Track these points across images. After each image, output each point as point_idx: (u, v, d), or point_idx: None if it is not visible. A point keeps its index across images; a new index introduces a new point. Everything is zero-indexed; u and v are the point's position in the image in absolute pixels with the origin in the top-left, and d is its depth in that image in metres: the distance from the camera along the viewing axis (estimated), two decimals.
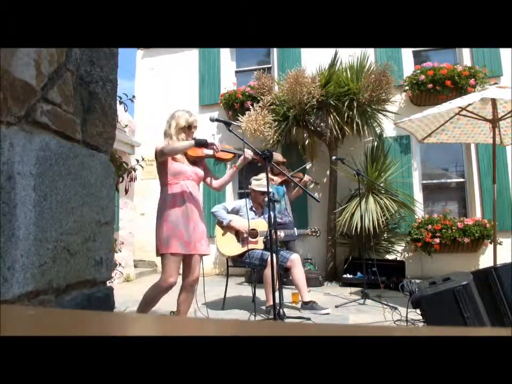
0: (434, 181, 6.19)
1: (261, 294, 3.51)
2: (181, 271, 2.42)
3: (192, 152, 2.47)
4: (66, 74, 1.11)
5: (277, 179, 4.28)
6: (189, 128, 2.48)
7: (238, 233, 3.49)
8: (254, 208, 3.68)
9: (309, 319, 3.00)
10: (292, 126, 5.58)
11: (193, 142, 2.41)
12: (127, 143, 5.50)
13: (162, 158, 2.37)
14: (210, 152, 2.52)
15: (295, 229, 3.81)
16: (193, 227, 2.35)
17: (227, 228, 3.48)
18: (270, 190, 2.89)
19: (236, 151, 2.69)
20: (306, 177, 4.53)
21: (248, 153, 2.63)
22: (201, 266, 2.49)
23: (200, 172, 2.54)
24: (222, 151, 2.55)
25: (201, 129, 6.71)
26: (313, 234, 3.75)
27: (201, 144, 2.43)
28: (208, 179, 2.65)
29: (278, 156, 4.57)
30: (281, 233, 3.64)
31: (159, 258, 2.41)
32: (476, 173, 5.76)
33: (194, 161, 2.54)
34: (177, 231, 2.29)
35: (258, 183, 3.65)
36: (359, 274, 5.00)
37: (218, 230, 3.52)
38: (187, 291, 2.46)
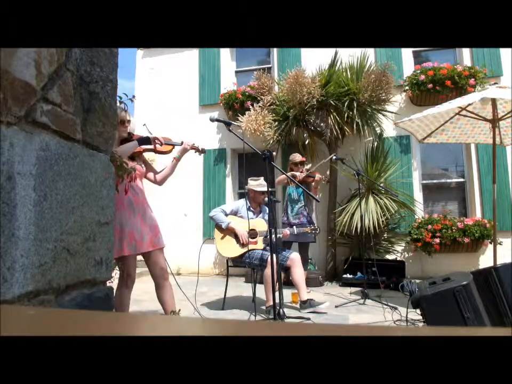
0: (434, 181, 6.19)
1: (261, 294, 3.51)
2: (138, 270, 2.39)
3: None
4: (66, 74, 1.11)
5: (297, 177, 4.26)
6: (121, 123, 2.41)
7: (237, 235, 3.49)
8: (252, 208, 3.67)
9: (308, 319, 3.00)
10: (292, 126, 5.58)
11: (136, 142, 2.38)
12: None
13: None
14: (149, 146, 2.49)
15: (294, 227, 3.82)
16: (142, 224, 2.32)
17: (227, 231, 3.48)
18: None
19: (174, 143, 2.66)
20: (317, 176, 4.52)
21: (187, 144, 2.61)
22: (165, 259, 2.44)
23: (141, 168, 2.50)
24: (163, 144, 2.53)
25: (201, 129, 6.74)
26: (313, 232, 3.75)
27: (144, 142, 2.42)
28: (150, 174, 2.62)
29: (296, 156, 4.56)
30: (294, 230, 3.68)
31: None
32: (476, 173, 5.76)
33: (132, 156, 2.48)
34: (126, 233, 2.25)
35: (257, 183, 3.65)
36: (359, 274, 5.00)
37: (217, 233, 3.52)
38: (162, 286, 2.41)
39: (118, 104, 2.57)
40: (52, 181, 1.03)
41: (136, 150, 2.46)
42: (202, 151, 2.78)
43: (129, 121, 2.48)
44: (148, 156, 2.72)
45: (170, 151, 2.66)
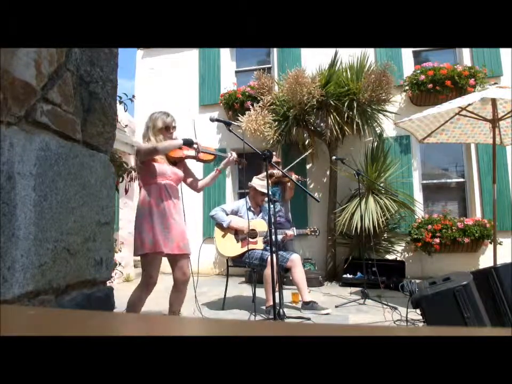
0: (434, 181, 6.19)
1: (261, 294, 3.51)
2: (163, 270, 2.41)
3: (172, 153, 2.48)
4: (66, 74, 1.11)
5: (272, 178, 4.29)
6: (166, 129, 2.47)
7: (237, 234, 3.49)
8: (252, 208, 3.67)
9: (309, 319, 3.00)
10: (292, 126, 5.58)
11: (181, 141, 2.45)
12: (127, 143, 5.50)
13: (148, 157, 2.37)
14: (192, 153, 2.53)
15: (294, 228, 3.82)
16: (171, 227, 2.34)
17: (227, 229, 3.48)
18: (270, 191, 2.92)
19: (217, 153, 2.70)
20: (294, 177, 4.53)
21: (232, 156, 2.65)
22: (189, 265, 2.49)
23: (180, 173, 2.53)
24: (203, 152, 2.57)
25: (201, 129, 6.74)
26: (313, 233, 3.74)
27: (188, 143, 2.48)
28: (189, 180, 2.66)
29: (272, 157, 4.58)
30: (294, 231, 3.66)
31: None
32: (476, 173, 5.76)
33: (174, 162, 2.53)
34: (155, 231, 2.28)
35: (262, 183, 3.64)
36: (359, 274, 5.00)
37: (217, 232, 3.52)
38: (179, 290, 2.46)
39: (119, 104, 2.58)
40: (52, 181, 1.03)
41: (179, 156, 2.51)
42: (244, 164, 2.83)
43: (174, 127, 2.52)
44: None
45: (212, 161, 2.71)
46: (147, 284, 2.34)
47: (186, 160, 2.65)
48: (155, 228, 2.28)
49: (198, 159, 2.60)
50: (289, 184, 4.46)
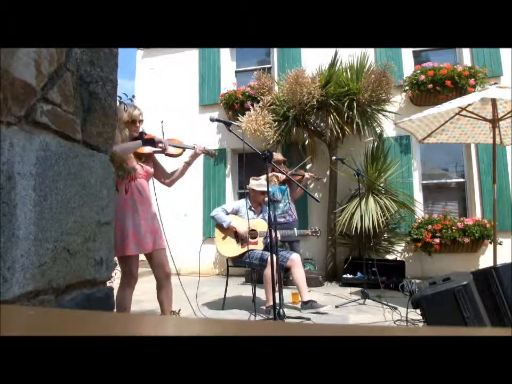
0: (434, 181, 6.19)
1: (261, 294, 3.51)
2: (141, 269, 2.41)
3: (139, 149, 2.44)
4: (66, 74, 1.11)
5: (281, 176, 4.31)
6: (132, 123, 2.41)
7: (237, 236, 3.50)
8: (253, 208, 3.68)
9: (309, 319, 3.00)
10: (292, 126, 5.58)
11: (140, 142, 2.39)
12: None
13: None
14: (155, 148, 2.50)
15: (295, 229, 3.82)
16: (144, 225, 2.34)
17: (228, 231, 3.48)
18: (270, 189, 2.95)
19: (185, 146, 2.66)
20: (308, 174, 4.57)
21: (199, 148, 2.61)
22: (168, 260, 2.47)
23: (149, 169, 2.51)
24: (170, 145, 2.53)
25: (201, 129, 6.74)
26: (314, 234, 3.75)
27: (149, 143, 2.43)
28: (159, 175, 2.64)
29: (278, 155, 4.62)
30: (295, 232, 3.69)
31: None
32: (476, 173, 5.76)
33: (141, 157, 2.50)
34: (128, 232, 2.27)
35: (258, 182, 3.65)
36: (359, 274, 5.00)
37: (217, 233, 3.52)
38: (162, 287, 2.44)
39: (119, 104, 2.56)
40: (52, 181, 1.03)
41: (146, 152, 2.47)
42: (213, 155, 2.82)
43: (141, 121, 2.48)
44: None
45: (180, 154, 2.67)
46: (128, 281, 2.34)
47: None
48: (125, 230, 2.27)
49: (166, 154, 2.56)
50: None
